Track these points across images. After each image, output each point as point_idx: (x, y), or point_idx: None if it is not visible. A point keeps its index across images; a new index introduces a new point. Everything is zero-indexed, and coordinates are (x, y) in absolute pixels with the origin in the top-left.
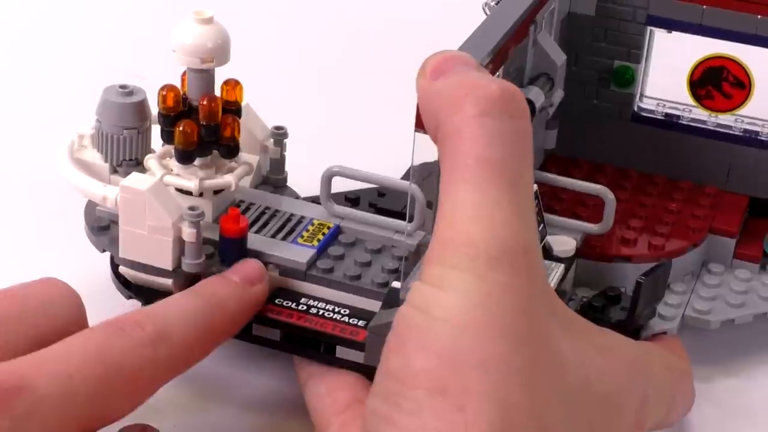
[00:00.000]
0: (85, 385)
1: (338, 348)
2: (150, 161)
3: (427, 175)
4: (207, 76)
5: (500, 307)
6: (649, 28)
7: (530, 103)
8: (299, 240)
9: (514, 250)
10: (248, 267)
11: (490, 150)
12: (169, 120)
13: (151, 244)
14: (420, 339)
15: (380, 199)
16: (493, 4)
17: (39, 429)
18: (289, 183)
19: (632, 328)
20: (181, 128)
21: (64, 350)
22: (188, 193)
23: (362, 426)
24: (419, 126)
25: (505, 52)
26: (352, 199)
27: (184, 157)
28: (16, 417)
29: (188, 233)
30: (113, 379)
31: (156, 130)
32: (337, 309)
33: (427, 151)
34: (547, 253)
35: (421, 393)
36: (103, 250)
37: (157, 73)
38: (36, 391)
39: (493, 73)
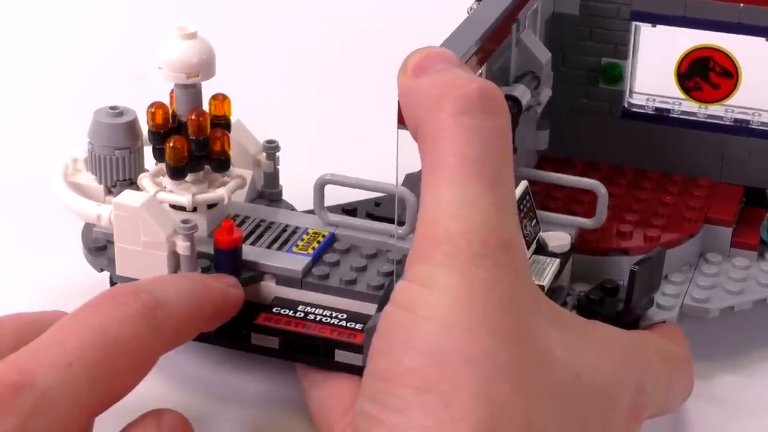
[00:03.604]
0: (86, 370)
1: (337, 352)
2: (143, 180)
3: (416, 184)
4: (194, 91)
5: (484, 303)
6: (633, 23)
7: (516, 100)
8: (294, 249)
9: (495, 247)
10: (223, 276)
11: (469, 148)
12: (159, 137)
13: (146, 260)
14: (405, 338)
15: (377, 209)
16: (475, 6)
17: (47, 423)
18: (285, 196)
19: (630, 318)
20: (171, 144)
21: (59, 337)
22: (182, 208)
23: (353, 428)
24: (401, 122)
25: (485, 51)
26: (349, 210)
27: (176, 173)
28: (21, 414)
29: (182, 246)
30: (113, 357)
31: (148, 150)
32: (334, 314)
33: (410, 147)
34: (542, 249)
35: (408, 391)
36: (101, 270)
37: (157, 74)
38: (38, 385)
39: (474, 71)
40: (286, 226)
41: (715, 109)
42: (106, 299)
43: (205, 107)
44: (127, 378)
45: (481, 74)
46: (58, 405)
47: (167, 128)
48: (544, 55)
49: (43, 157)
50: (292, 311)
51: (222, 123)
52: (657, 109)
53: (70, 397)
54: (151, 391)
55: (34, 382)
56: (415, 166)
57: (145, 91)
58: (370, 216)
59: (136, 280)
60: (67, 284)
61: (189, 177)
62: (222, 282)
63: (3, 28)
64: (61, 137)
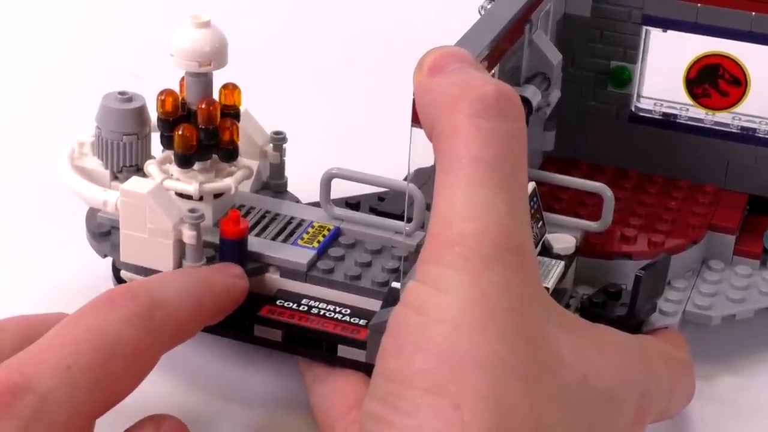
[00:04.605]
0: (85, 373)
1: (340, 347)
2: (150, 167)
3: (424, 181)
4: (205, 79)
5: (495, 305)
6: (644, 27)
7: (527, 101)
8: (300, 242)
9: (507, 249)
10: (227, 265)
11: (484, 150)
12: (168, 125)
13: (152, 248)
14: (416, 339)
15: (380, 204)
16: (488, 6)
17: (48, 426)
18: (290, 188)
19: (633, 323)
20: (180, 132)
21: (58, 340)
22: (188, 197)
23: (359, 429)
24: (416, 121)
25: (499, 51)
26: (352, 204)
27: (184, 161)
28: (22, 417)
29: (188, 235)
30: (112, 360)
31: (156, 137)
32: (338, 309)
33: (424, 145)
34: (547, 251)
35: (418, 393)
36: (105, 256)
37: (155, 74)
38: (38, 389)
39: (488, 71)
40: (292, 218)
41: (721, 117)
42: (104, 301)
43: (215, 96)
44: (126, 380)
45: (494, 74)
46: (59, 408)
47: (177, 116)
48: (555, 56)
49: (42, 158)
50: (295, 304)
51: (231, 113)
52: (664, 114)
53: (69, 400)
54: (153, 388)
55: (33, 386)
56: (424, 163)
57: (145, 91)
58: (374, 211)
59: (140, 266)
60: (69, 283)
61: (196, 166)
62: (227, 273)
63: (3, 28)
64: (60, 138)
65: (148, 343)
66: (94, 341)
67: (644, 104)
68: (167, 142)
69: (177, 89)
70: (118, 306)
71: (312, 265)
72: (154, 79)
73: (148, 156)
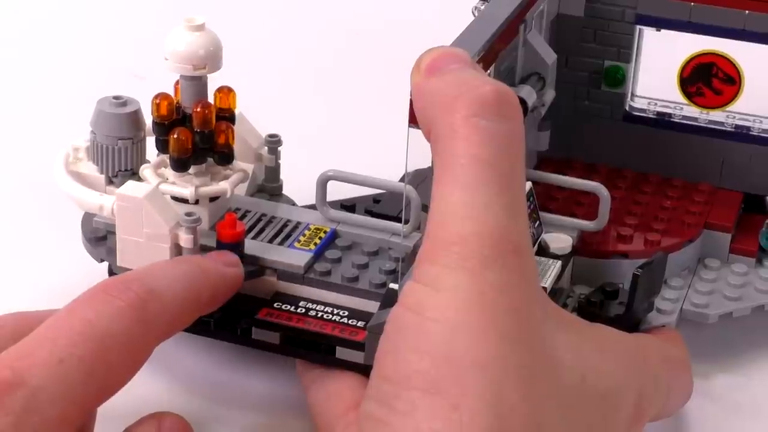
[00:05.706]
0: (78, 366)
1: (338, 349)
2: (145, 171)
3: (421, 180)
4: (200, 83)
5: (494, 306)
6: (638, 27)
7: (522, 101)
8: (296, 244)
9: (506, 250)
10: (223, 253)
11: (483, 150)
12: (163, 128)
13: (148, 252)
14: (413, 339)
15: (376, 206)
16: (482, 7)
17: (41, 420)
18: (285, 191)
19: (630, 322)
20: (175, 136)
21: (52, 334)
22: (184, 201)
23: (357, 429)
24: (413, 121)
25: (493, 52)
26: (347, 206)
27: (179, 165)
28: (14, 413)
29: (185, 239)
30: (106, 352)
31: (151, 141)
32: (335, 311)
33: (421, 146)
34: (544, 251)
35: (416, 394)
36: (101, 261)
37: (157, 74)
38: (29, 383)
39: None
40: (288, 221)
41: (716, 115)
42: (97, 293)
43: (210, 99)
44: (121, 371)
45: (489, 75)
46: (51, 402)
47: (172, 120)
48: (550, 56)
49: (43, 158)
50: (293, 307)
51: (226, 116)
52: (658, 113)
53: (62, 393)
54: (151, 392)
55: (25, 380)
56: (421, 164)
57: (146, 91)
58: (369, 213)
59: None
60: (64, 289)
61: (192, 169)
62: (221, 261)
63: (4, 27)
64: (61, 138)
65: (142, 334)
66: (88, 333)
67: (638, 103)
68: (162, 146)
69: (173, 92)
70: (112, 297)
71: (309, 267)
72: (157, 79)
73: (143, 160)
